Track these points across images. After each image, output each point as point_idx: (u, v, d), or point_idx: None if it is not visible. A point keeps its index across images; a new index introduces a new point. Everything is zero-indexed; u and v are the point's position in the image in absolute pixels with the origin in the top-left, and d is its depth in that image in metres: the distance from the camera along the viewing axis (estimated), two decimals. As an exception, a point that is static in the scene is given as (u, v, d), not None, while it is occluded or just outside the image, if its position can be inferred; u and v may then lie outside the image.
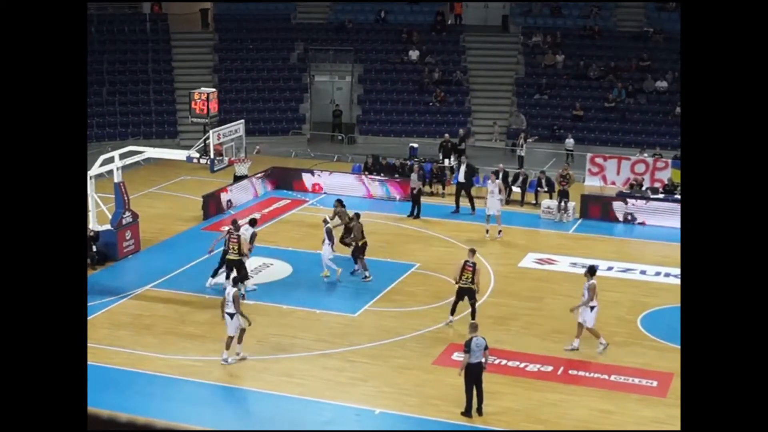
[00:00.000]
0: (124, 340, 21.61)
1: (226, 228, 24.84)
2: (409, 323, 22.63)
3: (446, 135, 37.72)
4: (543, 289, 25.25)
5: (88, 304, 23.22)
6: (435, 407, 18.50)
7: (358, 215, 25.95)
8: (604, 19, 47.26)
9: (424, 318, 22.98)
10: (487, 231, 29.41)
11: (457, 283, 21.92)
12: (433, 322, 22.66)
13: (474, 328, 18.13)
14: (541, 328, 22.53)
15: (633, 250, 29.05)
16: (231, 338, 20.05)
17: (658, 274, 26.43)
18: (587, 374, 20.06)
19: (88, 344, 20.75)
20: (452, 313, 22.22)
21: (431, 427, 17.87)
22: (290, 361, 20.48)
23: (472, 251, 22.38)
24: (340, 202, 26.93)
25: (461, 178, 32.30)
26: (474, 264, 21.80)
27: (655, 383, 19.61)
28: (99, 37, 45.33)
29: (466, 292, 21.82)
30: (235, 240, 23.59)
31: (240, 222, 25.22)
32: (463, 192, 32.23)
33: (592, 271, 21.27)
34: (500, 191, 29.50)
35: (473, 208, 32.07)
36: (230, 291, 20.10)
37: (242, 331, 20.14)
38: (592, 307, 20.75)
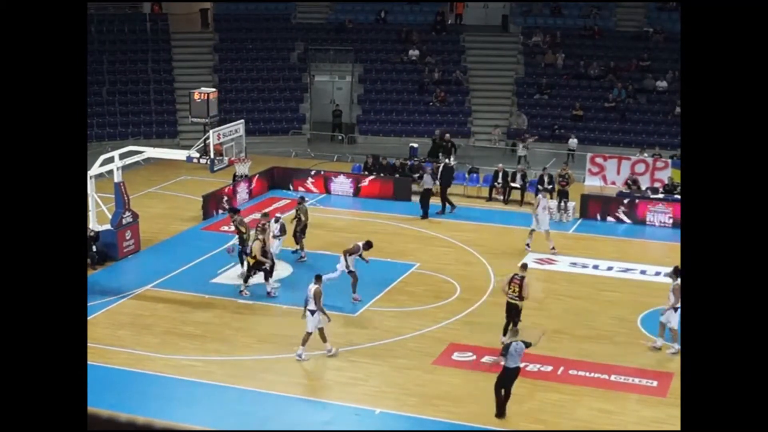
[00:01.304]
0: (124, 339, 21.60)
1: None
2: (409, 323, 22.63)
3: (447, 135, 37.81)
4: (543, 289, 25.23)
5: (89, 304, 23.22)
6: (435, 407, 18.49)
7: (302, 198, 28.02)
8: (604, 19, 47.25)
9: (425, 318, 22.97)
10: (528, 245, 28.44)
11: (505, 294, 21.23)
12: (433, 322, 22.66)
13: (515, 333, 18.18)
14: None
15: (633, 249, 29.03)
16: (309, 335, 20.24)
17: (658, 273, 26.37)
18: (587, 374, 20.04)
19: (89, 344, 20.76)
20: (504, 333, 20.83)
21: (431, 427, 17.86)
22: (290, 360, 20.45)
23: (524, 266, 21.79)
24: (302, 199, 27.90)
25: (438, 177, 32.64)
26: (522, 278, 21.03)
27: (655, 383, 19.60)
28: (99, 37, 45.31)
29: (512, 307, 21.10)
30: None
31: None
32: (436, 191, 32.55)
33: (676, 271, 21.12)
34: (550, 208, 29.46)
35: (445, 206, 32.23)
36: (311, 287, 20.39)
37: (321, 329, 20.37)
38: (676, 308, 20.73)
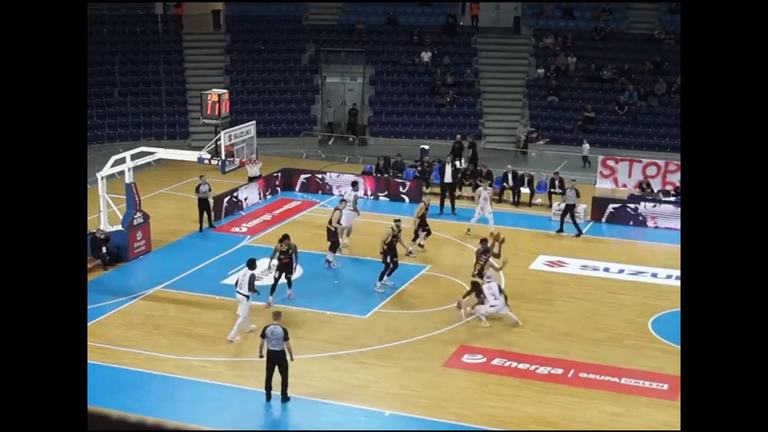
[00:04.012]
0: (134, 340, 21.65)
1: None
2: (419, 325, 22.62)
3: (458, 136, 37.76)
4: (554, 292, 25.19)
5: (100, 305, 23.32)
6: (445, 409, 18.47)
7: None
8: (616, 21, 47.16)
9: (435, 320, 22.94)
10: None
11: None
12: (444, 324, 22.64)
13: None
14: (551, 331, 22.48)
15: (644, 252, 28.95)
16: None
17: (669, 276, 26.33)
18: (597, 377, 20.00)
19: (99, 345, 20.85)
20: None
21: (441, 429, 17.84)
22: (300, 362, 20.41)
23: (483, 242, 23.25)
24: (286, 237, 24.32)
25: (448, 178, 32.46)
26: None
27: (665, 386, 19.54)
28: (111, 38, 45.46)
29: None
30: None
31: None
32: (447, 192, 32.58)
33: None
34: None
35: (453, 208, 32.36)
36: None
37: None
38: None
